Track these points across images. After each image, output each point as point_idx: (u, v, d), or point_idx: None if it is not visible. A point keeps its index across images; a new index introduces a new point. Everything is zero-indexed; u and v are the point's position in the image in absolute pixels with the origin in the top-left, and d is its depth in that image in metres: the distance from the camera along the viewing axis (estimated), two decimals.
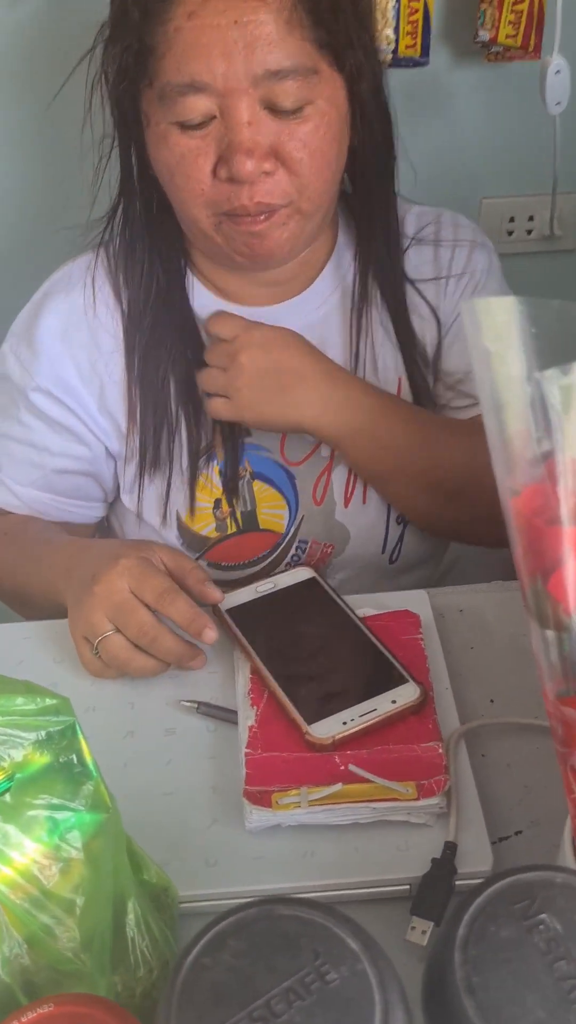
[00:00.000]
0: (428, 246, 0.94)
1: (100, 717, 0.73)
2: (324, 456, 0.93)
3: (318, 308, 0.92)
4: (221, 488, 0.92)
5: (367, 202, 0.91)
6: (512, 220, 1.46)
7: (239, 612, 0.78)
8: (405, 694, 0.69)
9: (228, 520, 0.93)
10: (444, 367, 0.95)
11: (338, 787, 0.64)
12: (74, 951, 0.47)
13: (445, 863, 0.61)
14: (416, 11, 1.13)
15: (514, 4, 1.14)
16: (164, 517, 0.92)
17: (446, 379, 0.95)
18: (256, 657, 0.73)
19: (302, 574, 0.81)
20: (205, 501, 0.93)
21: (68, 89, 0.87)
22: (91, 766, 0.49)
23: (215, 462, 0.92)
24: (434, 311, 0.94)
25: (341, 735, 0.66)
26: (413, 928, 0.59)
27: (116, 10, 0.79)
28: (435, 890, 0.60)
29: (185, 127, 0.77)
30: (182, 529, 0.93)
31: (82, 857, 0.48)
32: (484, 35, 1.16)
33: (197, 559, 0.91)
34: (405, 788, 0.64)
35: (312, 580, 0.80)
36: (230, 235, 0.82)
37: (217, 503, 0.93)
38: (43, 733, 0.47)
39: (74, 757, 0.48)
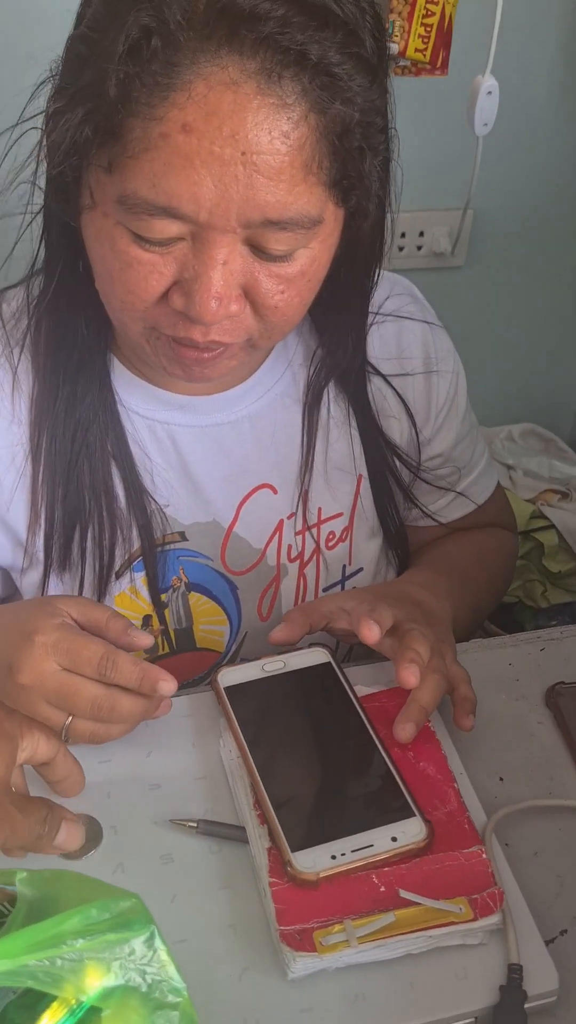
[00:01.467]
0: (390, 325, 0.85)
1: None
2: (271, 565, 0.83)
3: (261, 397, 0.81)
4: (150, 602, 0.80)
5: (339, 316, 0.78)
6: (404, 236, 1.42)
7: (238, 692, 0.68)
8: (408, 832, 0.60)
9: (160, 639, 0.81)
10: (427, 452, 0.89)
11: (391, 918, 0.56)
12: None
13: (513, 990, 0.55)
14: None
15: (424, 17, 1.09)
16: None
17: (429, 462, 0.89)
18: (249, 755, 0.64)
19: (316, 657, 0.71)
20: (132, 617, 0.80)
21: None
22: (180, 981, 0.39)
23: (142, 572, 0.80)
24: (405, 405, 0.86)
25: (327, 872, 0.58)
26: None
27: (78, 65, 0.61)
28: (510, 1022, 0.54)
29: (142, 240, 0.62)
30: None
31: None
32: (392, 47, 1.11)
33: None
34: (458, 907, 0.57)
35: (326, 666, 0.71)
36: (163, 351, 0.69)
37: (146, 620, 0.81)
38: (126, 948, 0.37)
39: (161, 973, 0.38)
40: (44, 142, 0.64)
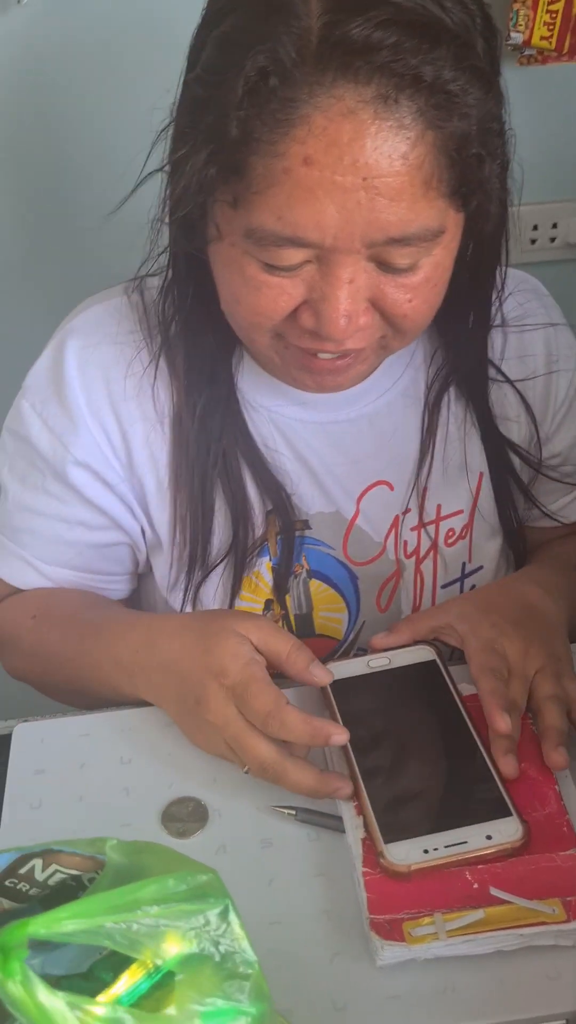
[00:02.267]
0: (512, 333, 0.85)
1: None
2: (391, 559, 0.85)
3: (380, 396, 0.82)
4: (272, 587, 0.82)
5: (461, 318, 0.79)
6: (536, 228, 1.40)
7: (343, 687, 0.69)
8: (504, 832, 0.60)
9: (280, 623, 0.84)
10: (547, 450, 0.88)
11: (480, 914, 0.56)
12: None
13: None
14: None
15: (549, 4, 1.07)
16: None
17: (550, 460, 0.88)
18: (350, 748, 0.66)
19: (422, 654, 0.72)
20: (253, 601, 0.83)
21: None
22: (252, 953, 0.41)
23: (267, 557, 0.82)
24: (527, 406, 0.86)
25: (420, 865, 0.58)
26: None
27: (196, 108, 0.63)
28: None
29: (271, 267, 0.64)
30: None
31: None
32: (517, 37, 1.09)
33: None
34: (551, 908, 0.57)
35: (431, 664, 0.71)
36: (293, 362, 0.71)
37: (268, 604, 0.83)
38: (200, 919, 0.39)
39: (235, 944, 0.40)
40: (169, 188, 0.67)
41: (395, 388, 0.83)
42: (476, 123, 0.61)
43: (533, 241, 1.42)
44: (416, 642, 0.74)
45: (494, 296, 0.79)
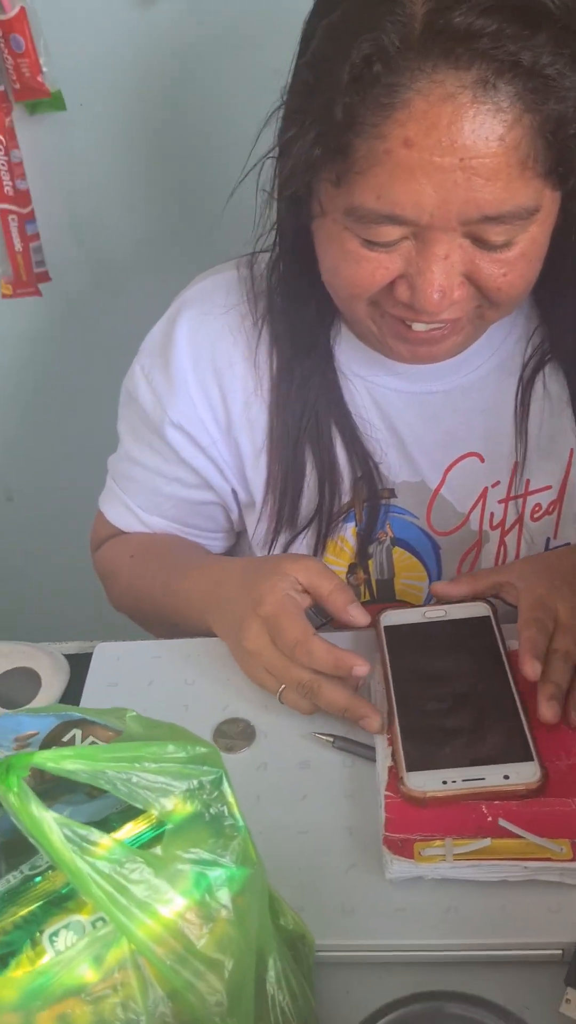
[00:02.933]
0: None
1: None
2: (474, 530, 0.88)
3: (476, 369, 0.85)
4: (356, 552, 0.87)
5: (560, 295, 0.80)
6: None
7: (396, 633, 0.74)
8: (523, 774, 0.62)
9: (362, 587, 0.88)
10: None
11: (487, 842, 0.60)
12: (220, 1014, 0.45)
13: None
14: None
15: None
16: None
17: None
18: (391, 685, 0.70)
19: (478, 610, 0.75)
20: (337, 564, 0.87)
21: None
22: (240, 819, 0.46)
23: (352, 523, 0.86)
24: None
25: (434, 794, 0.62)
26: (568, 1001, 0.55)
27: (306, 92, 0.67)
28: None
29: (369, 242, 0.68)
30: None
31: (231, 915, 0.45)
32: None
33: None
34: (559, 847, 0.59)
35: (485, 619, 0.75)
36: (389, 331, 0.75)
37: (352, 568, 0.87)
38: (194, 782, 0.45)
39: (224, 809, 0.46)
40: (278, 166, 0.72)
41: (490, 362, 0.85)
42: (573, 105, 0.63)
43: None
44: (475, 598, 0.77)
45: None
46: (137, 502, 0.92)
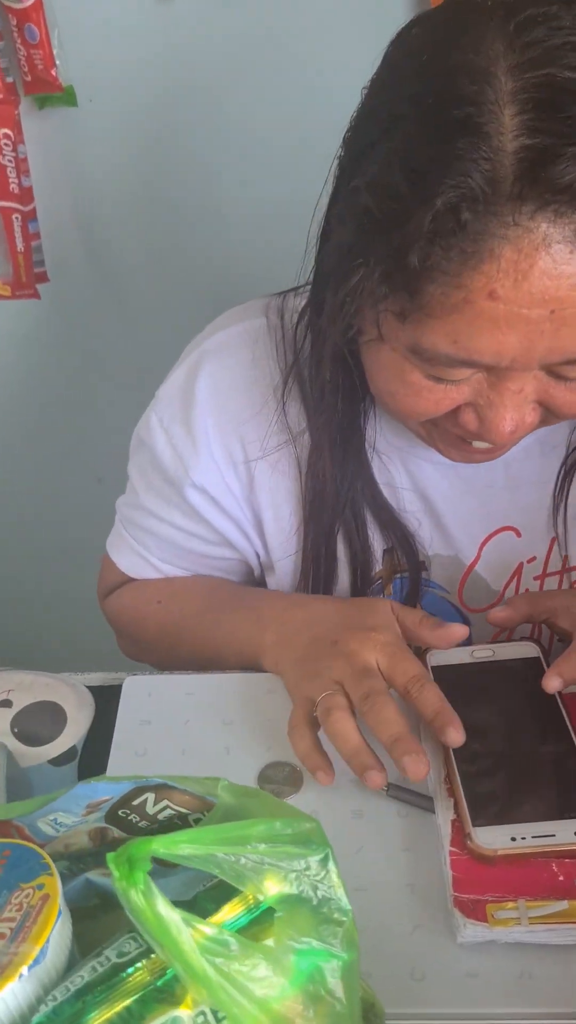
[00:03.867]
0: None
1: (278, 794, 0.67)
2: (519, 595, 0.83)
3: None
4: None
5: None
6: None
7: (445, 673, 0.71)
8: None
9: None
10: None
11: (564, 905, 0.57)
12: None
13: None
14: None
15: None
16: None
17: None
18: None
19: (526, 650, 0.73)
20: None
21: None
22: (346, 900, 0.43)
23: (380, 595, 0.82)
24: None
25: (506, 851, 0.59)
26: None
27: (371, 225, 0.58)
28: None
29: (436, 378, 0.62)
30: None
31: (335, 1003, 0.42)
32: None
33: None
34: None
35: (534, 660, 0.72)
36: (443, 440, 0.70)
37: None
38: (302, 863, 0.42)
39: (331, 892, 0.42)
40: (336, 291, 0.63)
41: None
42: None
43: None
44: (521, 637, 0.75)
45: None
46: (154, 554, 0.86)
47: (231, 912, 0.42)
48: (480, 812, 0.61)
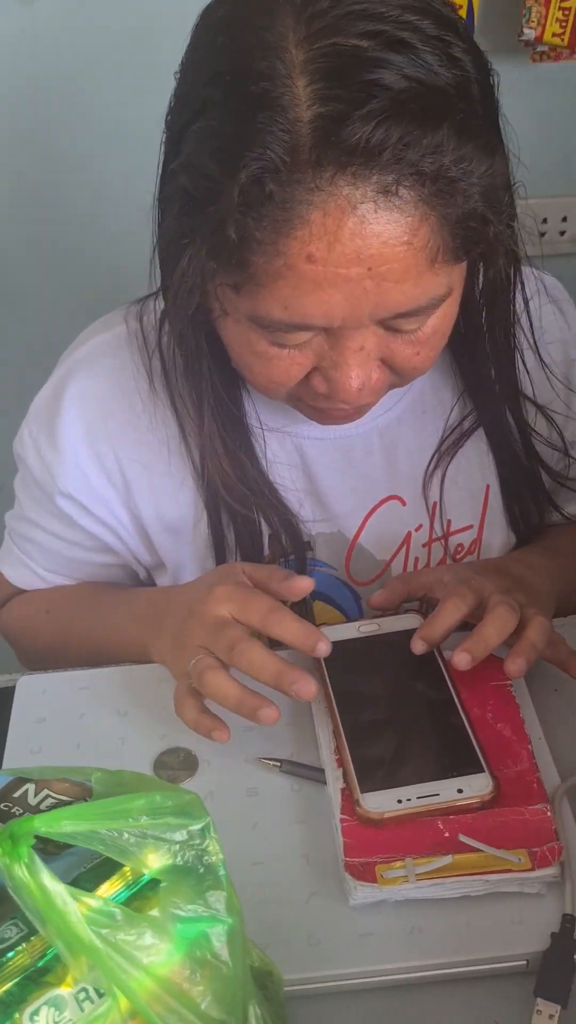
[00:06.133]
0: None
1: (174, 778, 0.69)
2: (395, 576, 0.84)
3: (390, 409, 0.82)
4: None
5: (476, 354, 0.78)
6: (545, 221, 1.43)
7: (333, 649, 0.71)
8: (475, 786, 0.63)
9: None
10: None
11: (448, 859, 0.60)
12: None
13: (565, 938, 0.58)
14: (459, 7, 1.09)
15: (562, 2, 1.10)
16: None
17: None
18: (335, 704, 0.69)
19: (410, 621, 0.75)
20: None
21: None
22: (224, 869, 0.45)
23: None
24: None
25: (393, 813, 0.62)
26: (539, 1012, 0.56)
27: (191, 206, 0.61)
28: (558, 969, 0.57)
29: (279, 344, 0.64)
30: None
31: (229, 970, 0.44)
32: (529, 33, 1.12)
33: None
34: (517, 857, 0.60)
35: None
36: (306, 410, 0.73)
37: None
38: (184, 833, 0.43)
39: (213, 859, 0.44)
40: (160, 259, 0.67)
41: (405, 399, 0.82)
42: (479, 196, 0.60)
43: (543, 235, 1.44)
44: (406, 610, 0.77)
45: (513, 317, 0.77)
46: (38, 563, 0.87)
47: (111, 889, 0.43)
48: (367, 778, 0.64)
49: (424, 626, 0.71)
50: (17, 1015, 0.40)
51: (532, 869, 0.60)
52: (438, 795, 0.63)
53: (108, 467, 0.80)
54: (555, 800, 0.64)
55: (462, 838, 0.61)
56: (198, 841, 0.44)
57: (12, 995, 0.41)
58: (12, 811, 0.50)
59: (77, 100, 1.17)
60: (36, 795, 0.50)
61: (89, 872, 0.44)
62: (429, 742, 0.67)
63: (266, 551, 0.82)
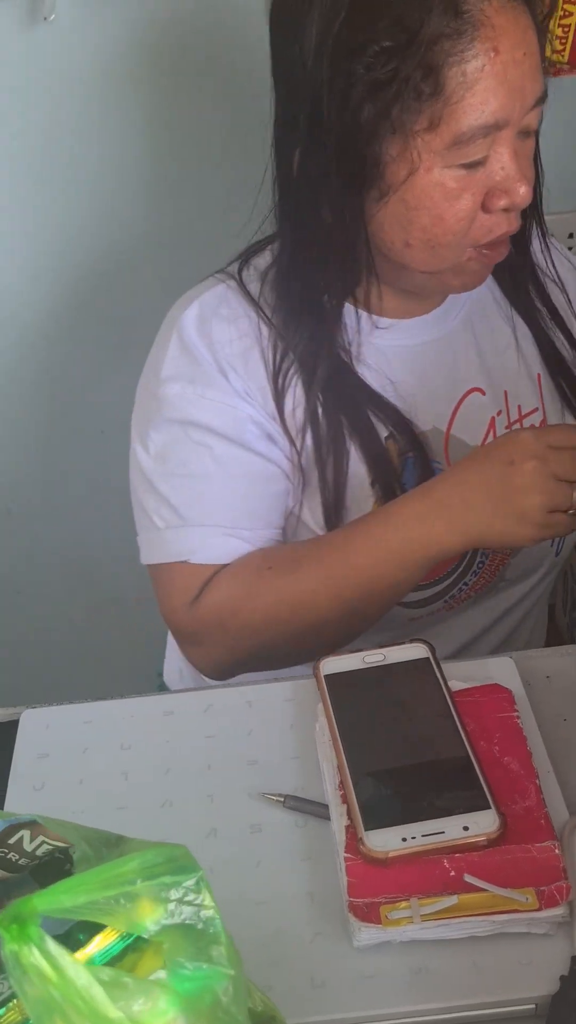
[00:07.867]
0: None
1: (178, 813, 0.68)
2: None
3: (456, 316, 0.93)
4: None
5: (515, 273, 0.94)
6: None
7: (337, 681, 0.72)
8: (481, 823, 0.62)
9: None
10: None
11: (454, 900, 0.59)
12: None
13: (574, 981, 0.57)
14: None
15: (562, 19, 1.10)
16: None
17: None
18: (339, 738, 0.68)
19: (416, 651, 0.74)
20: None
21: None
22: (219, 919, 0.44)
23: (398, 484, 0.89)
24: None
25: (397, 852, 0.61)
26: None
27: (387, 56, 0.73)
28: (567, 1014, 0.56)
29: (470, 167, 0.76)
30: None
31: (226, 1019, 0.43)
32: None
33: None
34: (524, 896, 0.59)
35: (424, 661, 0.74)
36: (468, 269, 0.83)
37: None
38: (180, 890, 0.42)
39: (209, 913, 0.43)
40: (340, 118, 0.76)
41: (466, 307, 0.94)
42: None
43: None
44: (411, 640, 0.76)
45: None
46: (216, 519, 0.85)
47: (105, 941, 0.43)
48: (372, 816, 0.63)
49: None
50: None
51: (540, 909, 0.59)
52: (444, 832, 0.62)
53: (253, 395, 0.87)
54: (563, 837, 0.63)
55: (468, 878, 0.60)
56: (192, 896, 0.43)
57: None
58: (9, 856, 0.50)
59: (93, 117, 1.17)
60: (32, 841, 0.50)
61: (83, 923, 0.44)
62: (434, 777, 0.66)
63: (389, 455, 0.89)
